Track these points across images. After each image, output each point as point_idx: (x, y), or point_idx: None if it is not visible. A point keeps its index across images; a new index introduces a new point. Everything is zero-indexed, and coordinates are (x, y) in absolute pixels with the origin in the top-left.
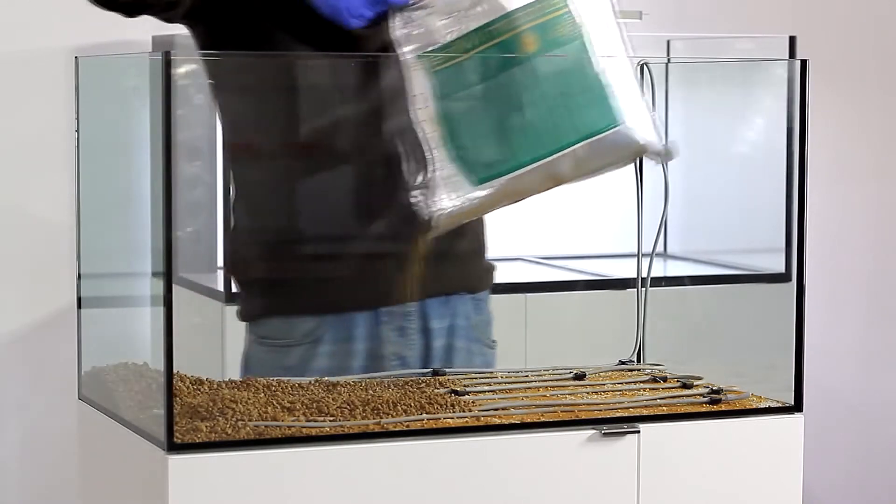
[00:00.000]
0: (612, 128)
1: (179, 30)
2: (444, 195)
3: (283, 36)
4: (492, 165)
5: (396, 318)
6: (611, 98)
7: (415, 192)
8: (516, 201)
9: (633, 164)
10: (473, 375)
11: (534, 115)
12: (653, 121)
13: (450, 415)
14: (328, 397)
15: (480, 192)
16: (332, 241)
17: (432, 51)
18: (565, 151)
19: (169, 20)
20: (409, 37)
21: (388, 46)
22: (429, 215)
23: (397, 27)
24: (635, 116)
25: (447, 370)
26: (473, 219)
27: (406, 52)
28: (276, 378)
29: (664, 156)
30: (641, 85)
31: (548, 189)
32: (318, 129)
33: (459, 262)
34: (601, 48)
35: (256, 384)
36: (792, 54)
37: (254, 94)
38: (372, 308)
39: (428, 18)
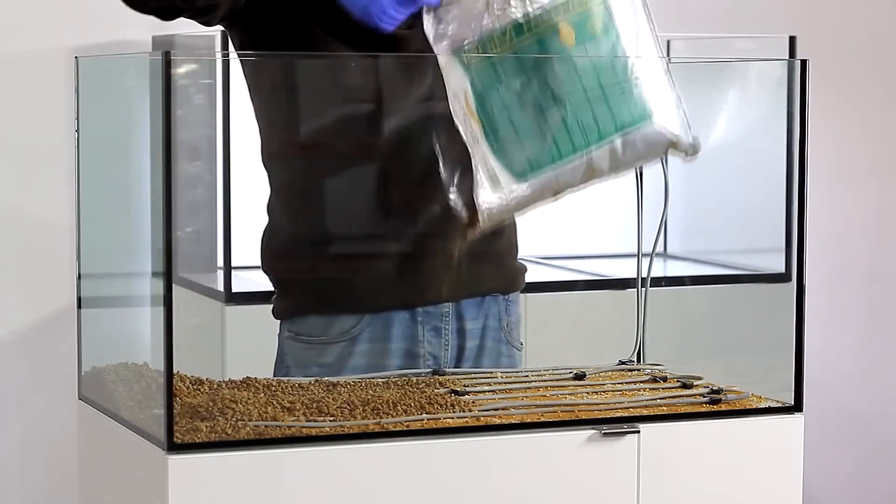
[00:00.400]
0: (643, 122)
1: (179, 30)
2: (489, 192)
3: (322, 35)
4: (534, 160)
5: (433, 318)
6: (642, 93)
7: (458, 190)
8: (556, 198)
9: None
10: (473, 375)
11: (572, 108)
12: (682, 116)
13: (450, 415)
14: (328, 397)
15: (524, 187)
16: (371, 240)
17: (469, 47)
18: (602, 144)
19: (207, 23)
20: (442, 34)
21: (426, 46)
22: (473, 213)
23: (430, 26)
24: (665, 111)
25: (447, 370)
26: (517, 215)
27: (440, 49)
28: (276, 378)
29: (691, 151)
30: (672, 81)
31: (586, 184)
32: (356, 129)
33: (494, 262)
34: (633, 44)
35: (256, 384)
36: (792, 54)
37: (293, 94)
38: (410, 308)
39: (461, 15)
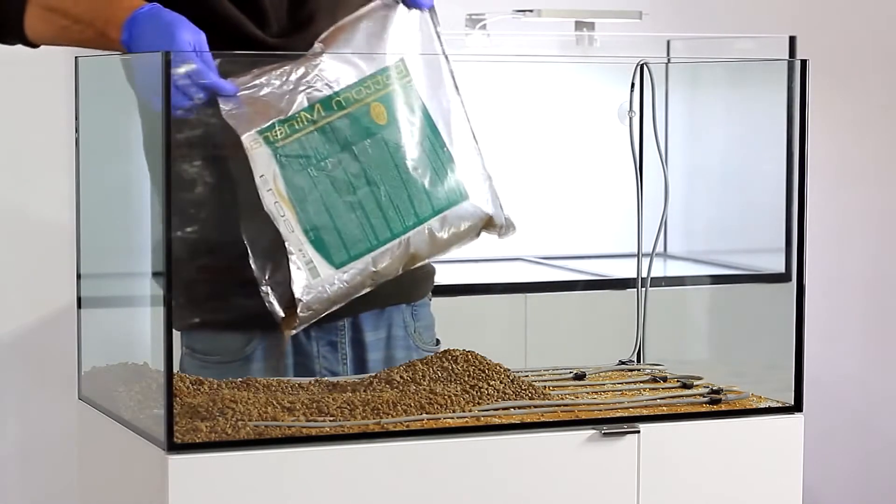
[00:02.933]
0: (459, 201)
1: None
2: (307, 283)
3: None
4: (352, 247)
5: (327, 333)
6: (455, 172)
7: (271, 285)
8: (374, 285)
9: (633, 164)
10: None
11: (386, 191)
12: (494, 193)
13: (450, 415)
14: (328, 397)
15: (343, 276)
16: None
17: (273, 124)
18: (419, 227)
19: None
20: (242, 116)
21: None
22: (291, 308)
23: (226, 110)
24: (478, 189)
25: None
26: (339, 306)
27: (244, 130)
28: (276, 378)
29: (507, 228)
30: (481, 156)
31: (405, 268)
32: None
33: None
34: (443, 121)
35: (256, 384)
36: (792, 54)
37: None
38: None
39: (260, 94)
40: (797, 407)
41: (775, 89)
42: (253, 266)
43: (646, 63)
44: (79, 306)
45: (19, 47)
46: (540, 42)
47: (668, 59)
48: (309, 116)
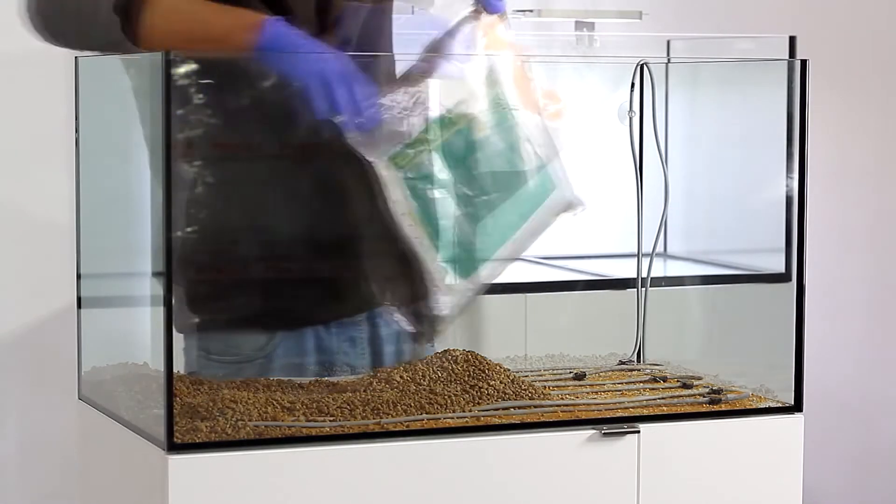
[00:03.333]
0: (551, 192)
1: None
2: (444, 300)
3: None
4: (476, 256)
5: (347, 329)
6: (545, 164)
7: (398, 304)
8: (487, 286)
9: (633, 164)
10: None
11: (496, 196)
12: (565, 175)
13: (450, 415)
14: (328, 397)
15: (469, 286)
16: (283, 258)
17: (401, 148)
18: (524, 224)
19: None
20: (373, 141)
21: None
22: (431, 323)
23: (352, 136)
24: (560, 174)
25: None
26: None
27: (377, 156)
28: (275, 378)
29: (579, 208)
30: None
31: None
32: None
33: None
34: (525, 116)
35: (256, 384)
36: (792, 54)
37: (220, 94)
38: (324, 323)
39: (390, 119)
40: (797, 407)
41: (775, 89)
42: (374, 288)
43: (646, 63)
44: (79, 306)
45: (19, 47)
46: (540, 42)
47: (668, 59)
48: (426, 137)
